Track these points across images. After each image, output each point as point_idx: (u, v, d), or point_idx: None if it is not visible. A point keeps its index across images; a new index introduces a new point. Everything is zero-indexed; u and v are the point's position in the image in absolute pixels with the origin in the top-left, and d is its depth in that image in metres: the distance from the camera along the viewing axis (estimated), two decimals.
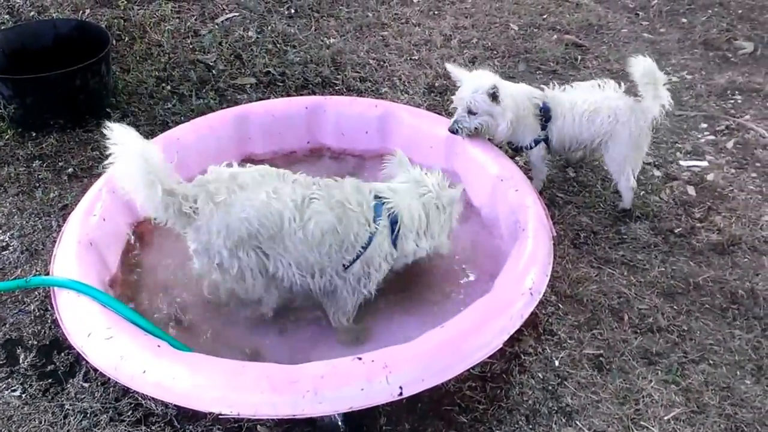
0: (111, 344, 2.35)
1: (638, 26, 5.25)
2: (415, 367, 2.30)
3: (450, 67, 3.35)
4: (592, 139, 3.30)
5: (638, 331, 2.78)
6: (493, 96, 3.16)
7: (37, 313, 2.85)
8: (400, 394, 2.25)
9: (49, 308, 2.83)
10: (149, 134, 3.90)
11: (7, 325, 2.81)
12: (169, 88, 4.36)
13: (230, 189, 2.50)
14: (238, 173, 2.57)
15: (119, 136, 2.38)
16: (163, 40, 4.81)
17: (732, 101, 4.27)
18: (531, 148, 3.38)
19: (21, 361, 2.67)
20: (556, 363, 2.66)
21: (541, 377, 2.61)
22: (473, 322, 2.44)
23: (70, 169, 3.66)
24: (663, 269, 3.06)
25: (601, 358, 2.67)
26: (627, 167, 3.29)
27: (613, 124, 3.24)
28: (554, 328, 2.80)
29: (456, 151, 3.43)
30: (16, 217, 3.35)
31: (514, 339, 2.67)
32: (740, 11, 5.27)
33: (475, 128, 3.27)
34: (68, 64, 3.76)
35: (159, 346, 2.35)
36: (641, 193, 3.52)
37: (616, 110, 3.25)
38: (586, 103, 3.28)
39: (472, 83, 3.21)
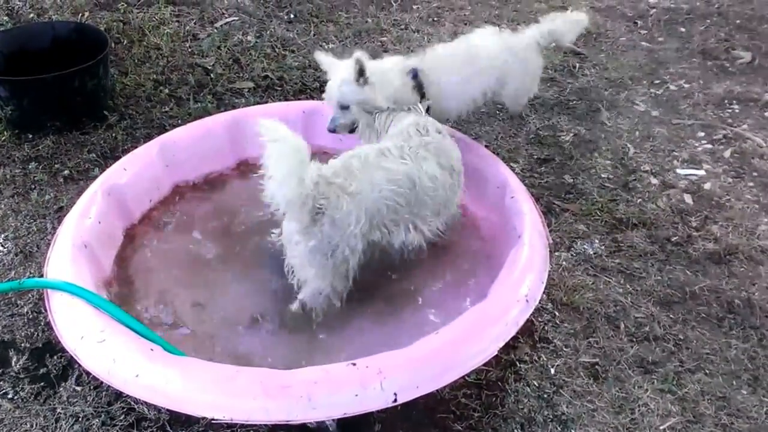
0: (104, 347, 2.33)
1: (637, 35, 5.25)
2: (410, 373, 2.29)
3: (318, 55, 3.13)
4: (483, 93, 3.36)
5: (634, 339, 2.77)
6: (360, 73, 2.88)
7: (31, 316, 2.83)
8: (395, 400, 2.23)
9: (43, 311, 2.81)
10: (146, 137, 3.91)
11: (0, 327, 2.79)
12: (167, 91, 4.36)
13: (351, 177, 2.57)
14: (341, 164, 2.64)
15: (274, 131, 2.33)
16: (162, 44, 4.80)
17: (729, 110, 4.28)
18: None
19: (13, 363, 2.65)
20: (552, 371, 2.65)
21: (537, 385, 2.60)
22: (468, 329, 2.42)
23: (66, 172, 3.65)
24: (659, 278, 3.05)
25: (597, 367, 2.66)
26: (524, 98, 3.49)
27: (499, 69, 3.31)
28: (550, 335, 2.79)
29: None
30: (10, 218, 3.34)
31: (510, 347, 2.66)
32: (738, 21, 5.29)
33: (353, 122, 3.05)
34: (66, 66, 3.75)
35: (152, 349, 2.33)
36: (638, 201, 3.51)
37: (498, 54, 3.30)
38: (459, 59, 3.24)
39: (337, 75, 2.98)
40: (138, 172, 3.20)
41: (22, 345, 2.72)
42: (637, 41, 5.16)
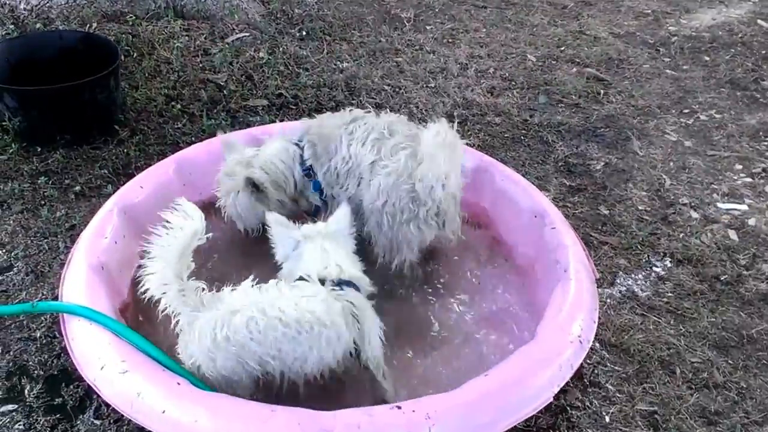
0: (127, 379, 2.09)
1: (660, 62, 5.13)
2: (460, 419, 2.05)
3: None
4: None
5: (693, 386, 2.56)
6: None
7: (44, 341, 2.61)
8: None
9: (57, 335, 2.60)
10: (159, 154, 3.70)
11: (11, 353, 2.56)
12: (179, 106, 4.14)
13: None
14: None
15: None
16: (173, 58, 4.60)
17: (766, 143, 4.13)
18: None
19: (26, 392, 2.43)
20: (607, 419, 2.43)
21: None
22: (520, 371, 2.20)
23: (78, 188, 3.43)
24: (713, 319, 2.85)
25: (656, 416, 2.44)
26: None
27: None
28: (601, 380, 2.57)
29: (482, 183, 3.22)
30: (20, 236, 3.12)
31: (560, 390, 2.43)
32: (763, 51, 5.18)
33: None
34: (74, 77, 3.53)
35: (179, 383, 2.09)
36: (680, 236, 3.33)
37: None
38: None
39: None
40: (154, 190, 2.96)
41: (36, 372, 2.49)
42: (661, 69, 5.03)
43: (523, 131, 4.19)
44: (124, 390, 2.09)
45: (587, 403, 2.47)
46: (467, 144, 3.03)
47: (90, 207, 3.32)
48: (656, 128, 4.27)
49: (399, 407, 2.03)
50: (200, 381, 2.20)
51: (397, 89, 4.59)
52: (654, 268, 3.13)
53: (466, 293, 2.92)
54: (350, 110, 2.86)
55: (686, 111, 4.48)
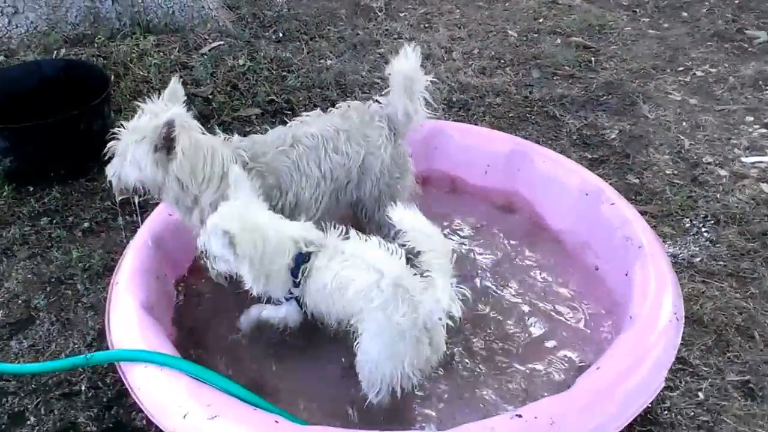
0: (218, 425, 1.90)
1: (641, 23, 5.11)
2: (583, 419, 1.95)
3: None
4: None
5: None
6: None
7: (90, 394, 2.41)
8: None
9: (101, 386, 2.41)
10: None
11: (55, 412, 2.35)
12: None
13: None
14: None
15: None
16: (151, 76, 4.31)
17: (767, 92, 4.15)
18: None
19: None
20: (701, 396, 2.35)
21: (690, 414, 2.29)
22: (630, 360, 2.09)
23: (86, 224, 3.18)
24: None
25: (749, 385, 2.38)
26: None
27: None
28: (683, 354, 2.49)
29: (519, 168, 3.11)
30: (35, 284, 2.88)
31: None
32: (737, 1, 5.22)
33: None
34: (59, 108, 3.25)
35: (277, 421, 1.91)
36: (716, 195, 3.28)
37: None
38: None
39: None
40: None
41: (88, 429, 2.29)
42: (644, 29, 5.01)
43: (527, 108, 4.09)
44: None
45: (677, 383, 2.38)
46: None
47: (101, 243, 3.10)
48: (657, 89, 4.23)
49: (519, 416, 1.91)
50: (292, 415, 2.03)
51: (388, 81, 4.42)
52: (700, 232, 3.07)
53: (520, 282, 2.80)
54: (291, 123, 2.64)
55: (681, 69, 4.46)
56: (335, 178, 2.57)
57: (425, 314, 2.04)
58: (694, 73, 4.39)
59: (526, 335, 2.57)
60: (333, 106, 4.10)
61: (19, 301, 2.81)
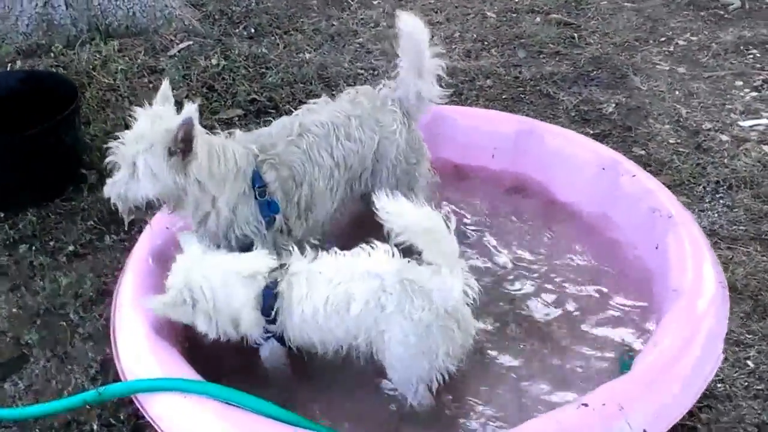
0: None
1: None
2: (650, 401, 1.86)
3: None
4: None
5: None
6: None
7: None
8: None
9: (114, 422, 2.19)
10: None
11: None
12: None
13: None
14: None
15: None
16: (118, 83, 4.06)
17: (751, 56, 4.15)
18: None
19: None
20: (751, 364, 2.29)
21: (745, 385, 2.23)
22: (686, 333, 2.01)
23: (70, 248, 2.94)
24: None
25: None
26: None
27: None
28: None
29: (528, 148, 3.00)
30: (21, 318, 2.64)
31: None
32: None
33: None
34: (21, 122, 2.99)
35: None
36: (723, 161, 3.25)
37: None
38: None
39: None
40: (182, 225, 2.51)
41: None
42: (620, 2, 4.98)
43: (520, 89, 4.00)
44: None
45: (725, 353, 2.31)
46: None
47: (90, 266, 2.87)
48: (644, 61, 4.20)
49: (585, 404, 1.80)
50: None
51: (372, 71, 4.28)
52: (715, 199, 3.03)
53: (542, 265, 2.70)
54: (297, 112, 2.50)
55: (663, 39, 4.44)
56: (349, 167, 2.43)
57: (441, 300, 1.92)
58: (677, 43, 4.38)
59: (560, 318, 2.47)
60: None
61: (8, 339, 2.57)
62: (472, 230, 2.88)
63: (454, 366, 2.04)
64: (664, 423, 1.85)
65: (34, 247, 2.94)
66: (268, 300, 2.06)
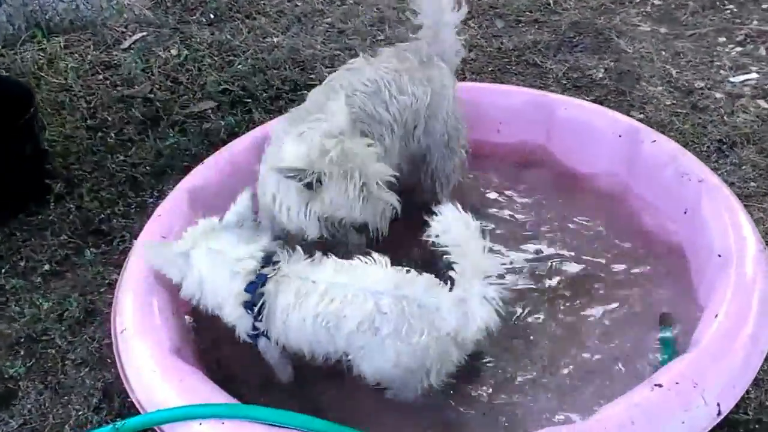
0: None
1: None
2: (719, 374, 1.77)
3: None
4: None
5: None
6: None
7: None
8: (719, 413, 1.71)
9: None
10: (122, 196, 3.01)
11: None
12: (112, 135, 3.35)
13: None
14: None
15: None
16: (70, 82, 3.72)
17: (728, 11, 4.11)
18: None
19: None
20: None
21: None
22: (743, 298, 1.92)
23: (45, 267, 2.67)
24: None
25: None
26: None
27: None
28: None
29: (538, 119, 2.86)
30: (0, 350, 2.36)
31: None
32: None
33: None
34: None
35: None
36: (721, 118, 3.20)
37: None
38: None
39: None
40: (177, 233, 2.25)
41: None
42: None
43: (505, 60, 3.85)
44: None
45: None
46: None
47: (71, 285, 2.61)
48: (624, 23, 4.12)
49: (659, 385, 1.69)
50: None
51: (348, 50, 4.04)
52: (722, 157, 2.97)
53: (567, 241, 2.58)
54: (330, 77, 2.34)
55: (638, 0, 4.37)
56: (405, 122, 2.29)
57: (444, 324, 1.79)
58: (653, 3, 4.31)
59: (598, 294, 2.35)
60: (296, 86, 3.80)
61: None
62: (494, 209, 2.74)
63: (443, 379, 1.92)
64: (734, 394, 1.77)
65: (2, 270, 2.65)
66: (253, 296, 1.90)
